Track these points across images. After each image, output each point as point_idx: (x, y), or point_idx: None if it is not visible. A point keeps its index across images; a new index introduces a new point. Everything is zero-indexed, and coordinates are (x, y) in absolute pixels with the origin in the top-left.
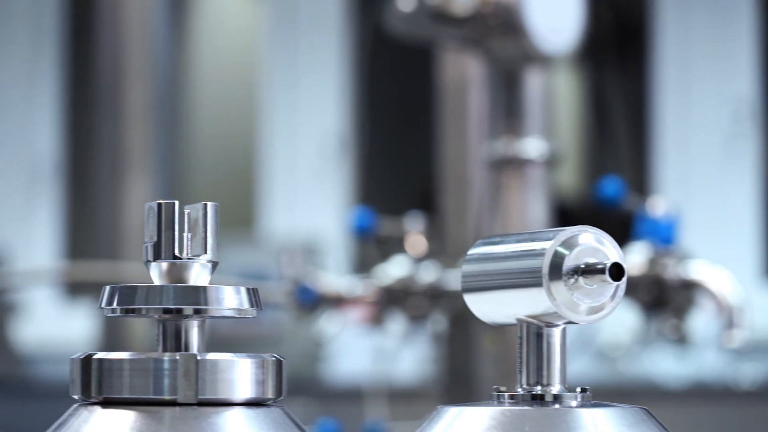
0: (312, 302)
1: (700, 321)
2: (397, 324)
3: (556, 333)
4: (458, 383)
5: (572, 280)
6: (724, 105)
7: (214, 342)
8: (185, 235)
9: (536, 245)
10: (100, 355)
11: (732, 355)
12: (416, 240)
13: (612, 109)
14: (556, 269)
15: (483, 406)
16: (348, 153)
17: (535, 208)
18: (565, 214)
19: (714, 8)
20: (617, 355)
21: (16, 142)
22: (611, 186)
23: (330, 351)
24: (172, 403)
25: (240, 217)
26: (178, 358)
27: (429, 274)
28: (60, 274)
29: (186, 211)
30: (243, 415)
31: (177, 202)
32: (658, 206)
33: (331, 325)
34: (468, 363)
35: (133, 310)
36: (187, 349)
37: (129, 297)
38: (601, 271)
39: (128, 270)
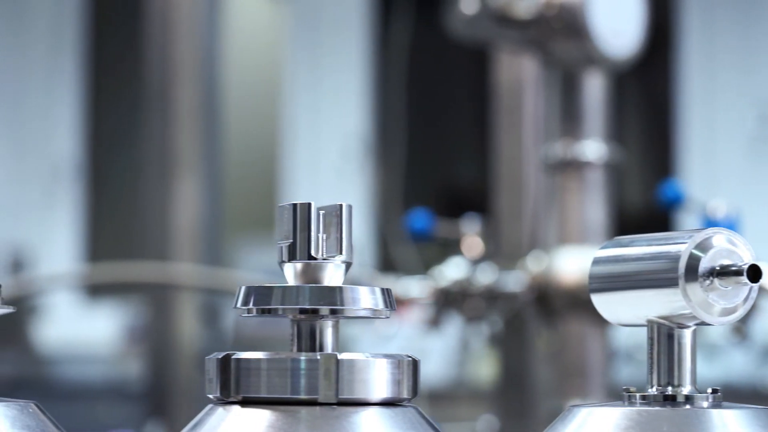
0: None
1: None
2: (453, 326)
3: (687, 334)
4: (513, 384)
5: (708, 282)
6: (750, 108)
7: (241, 341)
8: (320, 235)
9: (671, 248)
10: (239, 354)
11: (759, 357)
12: (473, 242)
13: (634, 112)
14: (692, 271)
15: (615, 407)
16: (370, 154)
17: (594, 210)
18: None
19: (739, 12)
20: (644, 356)
21: (38, 146)
22: (673, 188)
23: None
24: (311, 403)
25: (263, 217)
26: (318, 357)
27: (485, 275)
28: (81, 277)
29: (321, 212)
30: (381, 415)
31: (312, 203)
32: (718, 208)
33: (386, 327)
34: (523, 364)
35: (268, 311)
36: (321, 349)
37: (265, 297)
38: (738, 273)
39: (147, 271)
